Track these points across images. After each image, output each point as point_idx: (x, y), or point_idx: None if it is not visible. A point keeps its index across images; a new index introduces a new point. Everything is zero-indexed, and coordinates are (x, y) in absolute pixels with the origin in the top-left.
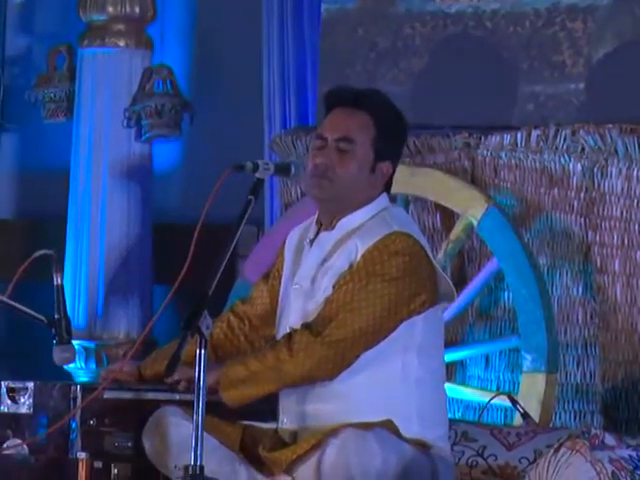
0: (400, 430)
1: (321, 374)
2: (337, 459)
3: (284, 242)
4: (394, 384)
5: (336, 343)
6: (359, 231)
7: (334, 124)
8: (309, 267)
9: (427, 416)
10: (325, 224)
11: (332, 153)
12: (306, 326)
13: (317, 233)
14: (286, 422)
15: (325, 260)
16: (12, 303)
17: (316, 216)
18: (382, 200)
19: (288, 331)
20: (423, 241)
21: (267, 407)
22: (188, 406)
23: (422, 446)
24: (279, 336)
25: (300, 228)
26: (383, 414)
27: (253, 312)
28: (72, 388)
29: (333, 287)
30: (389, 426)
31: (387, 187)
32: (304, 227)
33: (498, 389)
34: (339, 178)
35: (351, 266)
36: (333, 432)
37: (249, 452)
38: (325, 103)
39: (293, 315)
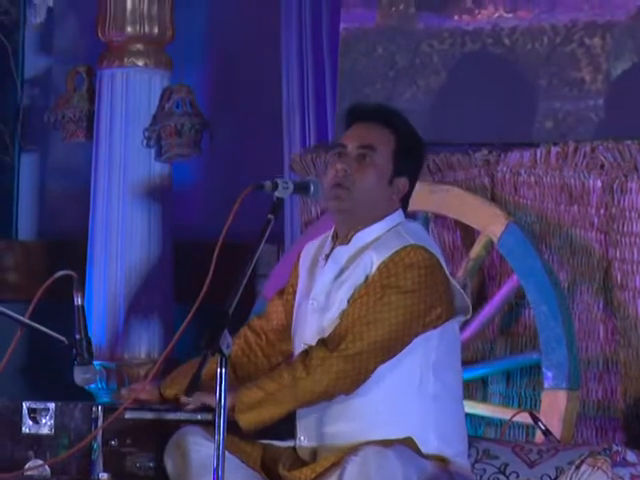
0: (419, 447)
1: (338, 389)
2: (358, 477)
3: (298, 257)
4: (411, 400)
5: (352, 357)
6: (374, 244)
7: (356, 134)
8: (325, 282)
9: (445, 432)
10: (341, 238)
11: (352, 161)
12: (322, 341)
13: (332, 248)
14: (304, 441)
15: (340, 274)
16: (33, 324)
17: (332, 231)
18: (397, 215)
19: (303, 347)
20: (439, 254)
21: (285, 426)
22: (209, 426)
23: (442, 462)
24: (295, 352)
25: (315, 243)
26: (401, 431)
27: (269, 327)
28: (93, 409)
29: (348, 301)
30: (409, 443)
31: (404, 205)
32: (319, 242)
33: (519, 406)
34: (357, 187)
35: (367, 279)
36: (353, 450)
37: (269, 471)
38: (346, 118)
39: (309, 331)
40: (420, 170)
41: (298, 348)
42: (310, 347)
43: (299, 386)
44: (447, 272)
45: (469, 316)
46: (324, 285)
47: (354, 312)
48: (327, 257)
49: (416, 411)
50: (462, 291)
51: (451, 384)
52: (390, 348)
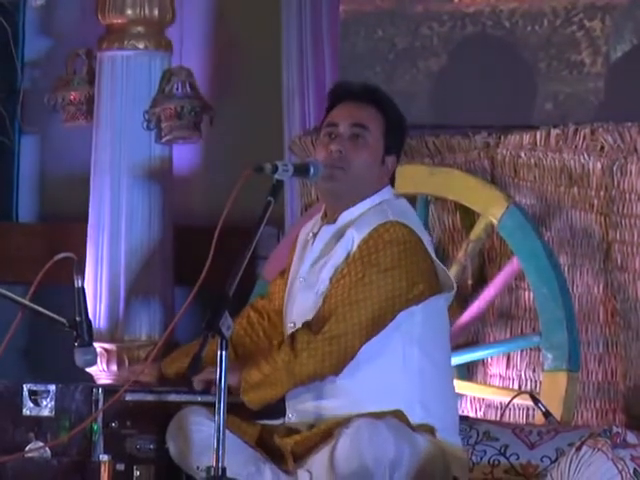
0: (409, 418)
1: (326, 371)
2: (350, 448)
3: (297, 237)
4: (397, 375)
5: (337, 338)
6: (356, 222)
7: (346, 113)
8: (310, 260)
9: (431, 406)
10: (329, 217)
11: (345, 140)
12: (307, 324)
13: (320, 227)
14: (293, 417)
15: (324, 253)
16: (33, 306)
17: (322, 210)
18: (384, 192)
19: (290, 325)
20: (420, 231)
21: (279, 406)
22: (210, 407)
23: (430, 432)
24: (285, 330)
25: (310, 223)
26: (388, 403)
27: (271, 307)
28: (94, 391)
29: (330, 281)
30: (399, 416)
31: (392, 182)
32: (313, 222)
33: (520, 388)
34: (354, 166)
35: (348, 257)
36: (345, 422)
37: (267, 448)
38: (331, 97)
39: (296, 308)
40: (403, 147)
41: (287, 326)
42: (296, 330)
43: (289, 369)
44: (429, 248)
45: (453, 292)
46: (310, 263)
47: (337, 293)
48: (315, 236)
49: (402, 385)
50: (444, 267)
51: (437, 359)
52: (374, 327)
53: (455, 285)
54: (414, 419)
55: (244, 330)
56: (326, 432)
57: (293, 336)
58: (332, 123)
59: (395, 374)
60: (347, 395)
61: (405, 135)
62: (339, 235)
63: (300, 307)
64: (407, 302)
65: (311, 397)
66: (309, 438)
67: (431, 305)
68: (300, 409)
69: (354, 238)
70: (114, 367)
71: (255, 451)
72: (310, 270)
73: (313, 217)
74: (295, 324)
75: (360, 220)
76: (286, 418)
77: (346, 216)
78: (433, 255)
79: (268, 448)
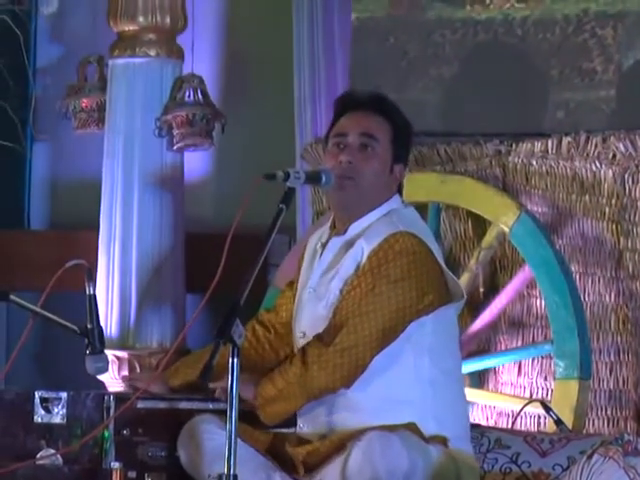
0: (422, 431)
1: (337, 383)
2: (363, 462)
3: (305, 247)
4: (408, 387)
5: (348, 350)
6: (366, 233)
7: (355, 123)
8: (320, 271)
9: (443, 416)
10: (338, 228)
11: (355, 151)
12: (318, 337)
13: (329, 237)
14: (304, 427)
15: (334, 264)
16: (45, 313)
17: (331, 220)
18: (393, 202)
19: (300, 336)
20: (430, 241)
21: (292, 416)
22: (221, 415)
23: (443, 443)
24: (295, 341)
25: (318, 233)
26: (401, 416)
27: (278, 320)
28: (105, 398)
29: (340, 292)
30: (413, 428)
31: (400, 191)
32: (321, 232)
33: (531, 396)
34: (363, 176)
35: (357, 269)
36: (358, 435)
37: (279, 456)
38: (338, 107)
39: (305, 320)
40: (409, 156)
41: (296, 337)
42: (307, 343)
43: (301, 383)
44: (439, 258)
45: (463, 301)
46: (318, 275)
47: (347, 305)
48: (323, 246)
49: (414, 396)
50: (454, 277)
51: (448, 369)
52: (384, 338)
53: (465, 294)
54: (427, 431)
55: (249, 343)
56: (338, 444)
57: (304, 349)
58: (341, 133)
59: (407, 386)
60: (359, 408)
61: (411, 143)
62: (348, 246)
63: (310, 318)
64: (417, 313)
65: (323, 411)
66: (321, 448)
67: (441, 315)
68: (312, 421)
69: (364, 249)
70: (126, 374)
71: (266, 459)
72: (319, 281)
73: (322, 225)
74: (305, 334)
75: (369, 231)
76: (297, 428)
77: (356, 227)
78: (443, 264)
79: (279, 456)
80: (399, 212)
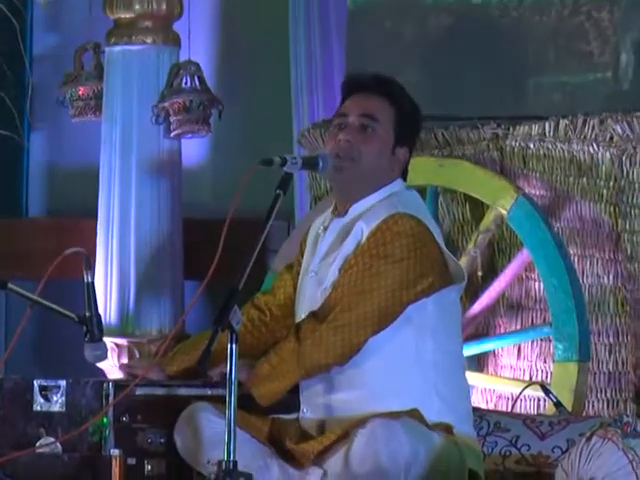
0: (425, 417)
1: (330, 361)
2: (366, 449)
3: (307, 231)
4: (410, 368)
5: (341, 328)
6: (366, 214)
7: (356, 104)
8: (321, 254)
9: (447, 399)
10: (339, 210)
11: (355, 131)
12: (312, 314)
13: (331, 220)
14: (307, 412)
15: (335, 246)
16: (43, 301)
17: (333, 204)
18: (395, 185)
19: (302, 317)
20: (430, 223)
21: (293, 400)
22: (219, 401)
23: (447, 430)
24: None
25: (321, 217)
26: (404, 399)
27: (274, 302)
28: (104, 385)
29: (339, 271)
30: (415, 415)
31: (404, 174)
32: (324, 216)
33: (530, 379)
34: (363, 157)
35: (357, 248)
36: (360, 423)
37: (277, 445)
38: (343, 89)
39: (307, 302)
40: (417, 139)
41: (298, 319)
42: (302, 320)
43: (295, 359)
44: (438, 240)
45: (464, 283)
46: (320, 257)
47: (343, 283)
48: (325, 229)
49: (416, 378)
50: (455, 259)
51: (451, 351)
52: (380, 318)
53: (466, 276)
54: (430, 416)
55: (244, 327)
56: (341, 434)
57: (299, 325)
58: (342, 114)
59: (408, 366)
60: (359, 387)
61: (418, 127)
62: (349, 228)
63: (311, 300)
64: (416, 295)
65: (324, 390)
66: (322, 442)
67: (443, 296)
68: (313, 402)
69: (363, 230)
70: (125, 362)
71: (263, 446)
72: (321, 263)
73: (323, 210)
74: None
75: (369, 212)
76: (300, 413)
77: (356, 209)
78: (443, 246)
79: (277, 445)
80: (400, 195)
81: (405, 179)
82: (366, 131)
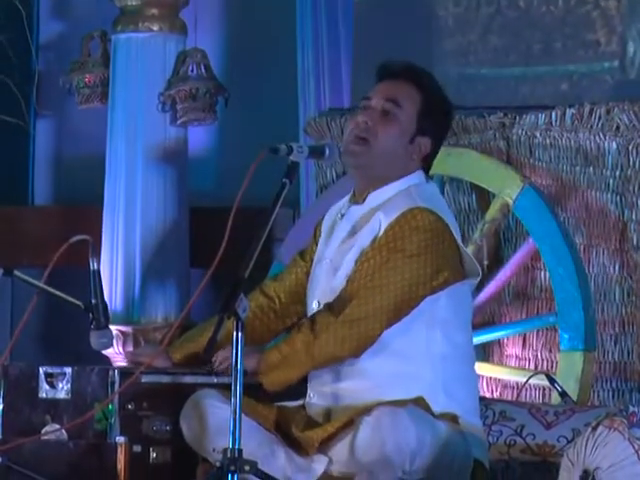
0: (430, 406)
1: (345, 353)
2: (372, 437)
3: (322, 218)
4: (419, 359)
5: (357, 322)
6: (384, 206)
7: (382, 89)
8: (337, 241)
9: (454, 391)
10: (357, 197)
11: (375, 114)
12: (328, 306)
13: (349, 207)
14: (314, 398)
15: (351, 235)
16: (49, 289)
17: (351, 191)
18: (415, 176)
19: (315, 305)
20: (448, 218)
21: (300, 387)
22: (225, 389)
23: (453, 420)
24: (308, 311)
25: (338, 204)
26: (411, 390)
27: (282, 289)
28: (110, 373)
29: (355, 263)
30: (421, 403)
31: (426, 166)
32: (341, 204)
33: (536, 368)
34: (378, 140)
35: (374, 241)
36: (366, 410)
37: (283, 432)
38: (377, 74)
39: (320, 290)
40: (446, 132)
41: (310, 306)
42: (317, 312)
43: (309, 350)
44: (455, 235)
45: (478, 279)
46: (336, 245)
47: (360, 276)
48: (342, 216)
49: (425, 371)
50: (471, 255)
51: (460, 344)
52: (396, 312)
53: (480, 271)
54: (436, 407)
55: (253, 314)
56: (347, 421)
57: (313, 318)
58: (366, 97)
59: (418, 358)
60: (369, 377)
61: (446, 119)
62: (367, 217)
63: (325, 288)
64: (432, 289)
65: (332, 378)
66: (329, 428)
67: (456, 290)
68: (321, 390)
69: (381, 222)
70: (130, 349)
71: (270, 434)
72: (337, 251)
73: (331, 201)
74: (320, 304)
75: (388, 204)
76: (307, 398)
77: (375, 197)
78: (459, 241)
79: (283, 432)
80: (419, 187)
81: (428, 171)
82: (387, 116)
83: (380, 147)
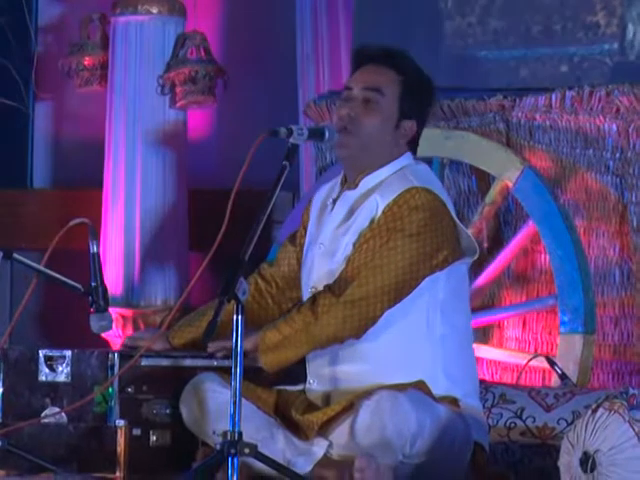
0: (431, 389)
1: (346, 334)
2: (372, 421)
3: (310, 202)
4: (420, 342)
5: (358, 302)
6: (380, 188)
7: (362, 77)
8: (332, 226)
9: (453, 373)
10: (349, 183)
11: (358, 104)
12: (328, 287)
13: (340, 192)
14: (314, 384)
15: (347, 218)
16: (49, 272)
17: (341, 175)
18: (405, 158)
19: (311, 291)
20: (444, 197)
21: (300, 372)
22: (225, 372)
23: (453, 403)
24: (304, 296)
25: (325, 188)
26: (411, 372)
27: (279, 274)
28: (110, 356)
29: (354, 245)
30: (422, 387)
31: (413, 147)
32: (330, 187)
33: (536, 351)
34: (363, 129)
35: (372, 222)
36: (366, 394)
37: (282, 416)
38: (353, 61)
39: (316, 274)
40: (429, 111)
41: (305, 292)
42: (317, 293)
43: (309, 331)
44: (453, 213)
45: (476, 257)
46: (331, 229)
47: (360, 257)
48: (334, 201)
49: (425, 353)
50: (468, 232)
51: (459, 325)
52: (397, 292)
53: (478, 248)
54: (437, 390)
55: (252, 297)
56: (346, 405)
57: (314, 298)
58: (347, 87)
59: (418, 340)
60: (368, 359)
61: (429, 98)
62: (362, 201)
63: (321, 273)
64: (431, 268)
65: (331, 360)
66: (326, 413)
67: (454, 270)
68: (320, 374)
69: (378, 203)
70: (130, 332)
71: (269, 417)
72: (331, 236)
73: (328, 181)
74: (316, 289)
75: (383, 186)
76: (307, 384)
77: (368, 182)
78: (457, 220)
79: (283, 416)
80: (412, 168)
81: (415, 152)
82: (369, 104)
83: (366, 137)
